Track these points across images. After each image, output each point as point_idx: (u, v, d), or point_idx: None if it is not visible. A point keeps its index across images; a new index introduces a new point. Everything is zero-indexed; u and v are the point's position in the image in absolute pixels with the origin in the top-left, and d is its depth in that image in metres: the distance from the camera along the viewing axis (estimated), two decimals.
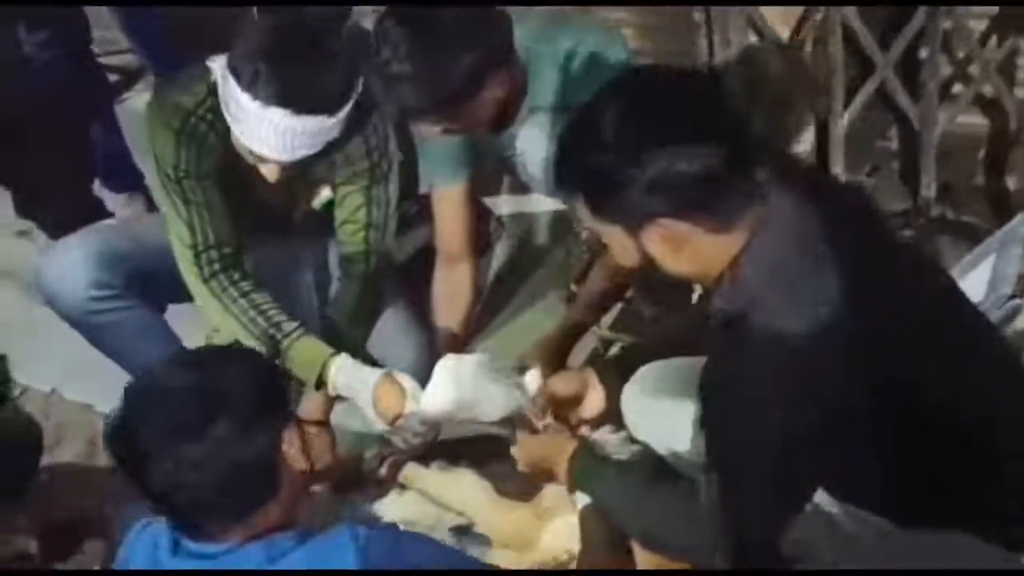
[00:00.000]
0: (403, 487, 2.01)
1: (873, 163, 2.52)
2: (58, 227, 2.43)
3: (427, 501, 1.99)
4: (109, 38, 3.01)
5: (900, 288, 1.29)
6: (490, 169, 2.19)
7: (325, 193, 2.02)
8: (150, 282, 2.03)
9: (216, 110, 1.84)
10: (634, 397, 1.74)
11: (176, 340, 2.11)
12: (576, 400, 1.76)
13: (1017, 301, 1.98)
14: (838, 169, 2.44)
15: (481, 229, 2.38)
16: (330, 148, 1.84)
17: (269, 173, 1.83)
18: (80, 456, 2.37)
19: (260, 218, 2.06)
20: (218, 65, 1.77)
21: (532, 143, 1.89)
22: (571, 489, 1.61)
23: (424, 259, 2.26)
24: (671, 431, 1.61)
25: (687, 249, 1.27)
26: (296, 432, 1.33)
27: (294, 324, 1.92)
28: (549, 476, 1.63)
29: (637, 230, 1.27)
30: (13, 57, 2.21)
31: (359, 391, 1.87)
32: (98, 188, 2.69)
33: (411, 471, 1.98)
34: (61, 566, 1.95)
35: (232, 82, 1.72)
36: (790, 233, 1.26)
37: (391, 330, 2.11)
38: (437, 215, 2.13)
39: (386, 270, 2.06)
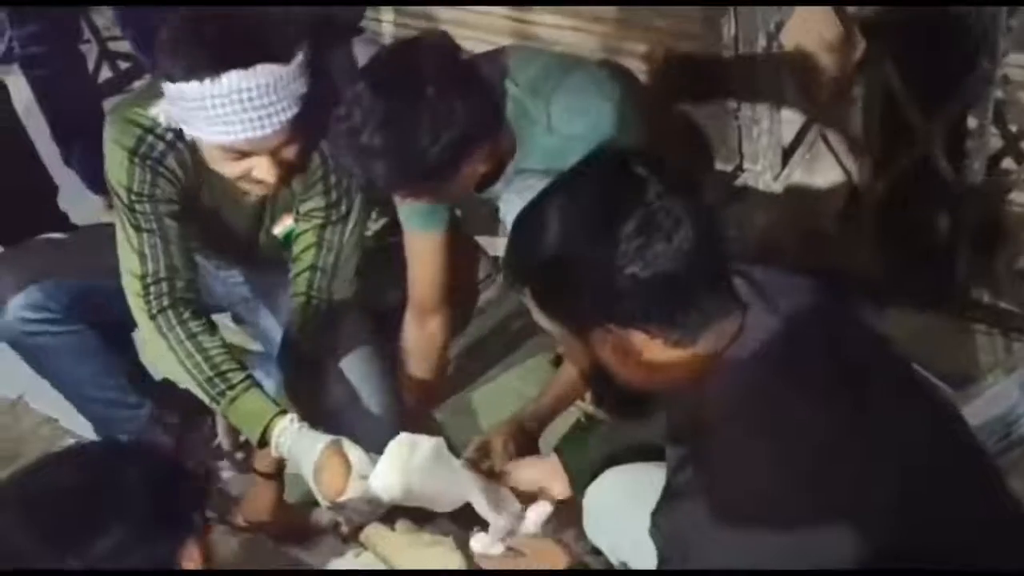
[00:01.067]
0: (363, 547, 1.88)
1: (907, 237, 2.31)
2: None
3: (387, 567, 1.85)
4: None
5: (889, 423, 1.15)
6: (484, 212, 2.03)
7: (288, 222, 1.87)
8: (94, 305, 1.90)
9: (177, 128, 1.69)
10: (597, 500, 1.59)
11: (118, 373, 2.00)
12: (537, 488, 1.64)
13: None
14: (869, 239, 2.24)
15: (469, 276, 2.22)
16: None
17: (264, 174, 1.64)
18: None
19: (224, 246, 1.94)
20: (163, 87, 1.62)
21: (513, 207, 1.70)
22: None
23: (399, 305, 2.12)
24: (630, 542, 1.45)
25: (638, 358, 1.15)
26: (199, 546, 1.17)
27: (241, 375, 1.77)
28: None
29: (586, 334, 1.16)
30: None
31: (301, 459, 1.71)
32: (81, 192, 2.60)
33: (372, 532, 1.83)
34: None
35: (174, 88, 1.57)
36: (766, 355, 1.15)
37: (357, 379, 1.97)
38: (409, 261, 1.97)
39: (330, 320, 1.89)
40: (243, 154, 1.62)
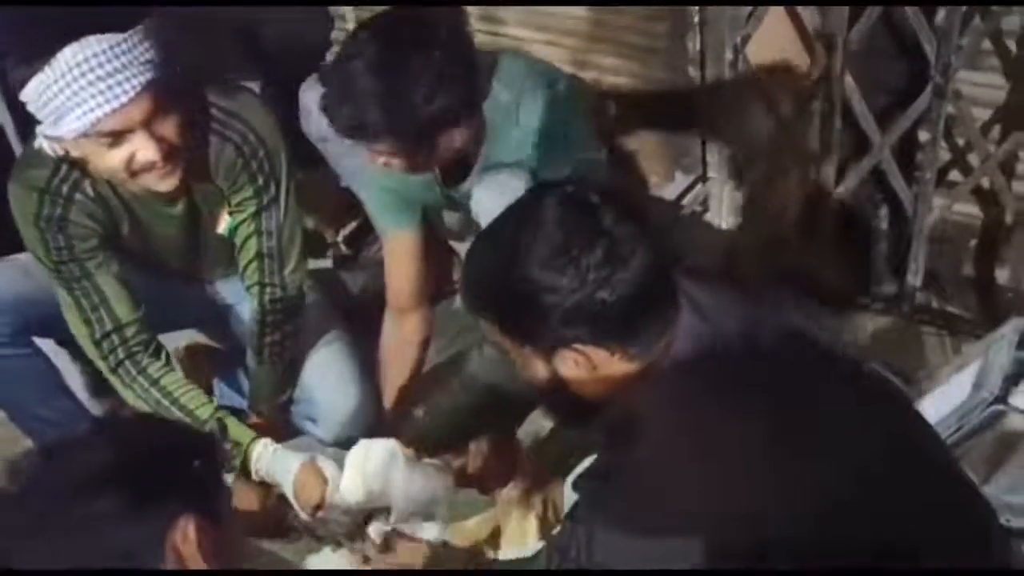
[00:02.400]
0: (339, 544, 1.91)
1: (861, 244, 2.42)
2: None
3: (363, 561, 1.88)
4: None
5: (835, 419, 1.20)
6: (459, 225, 2.09)
7: (227, 217, 1.89)
8: (51, 325, 1.88)
9: (69, 177, 1.71)
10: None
11: (63, 393, 2.01)
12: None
13: (999, 407, 1.91)
14: (825, 246, 2.35)
15: (442, 276, 2.26)
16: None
17: (145, 154, 1.60)
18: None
19: (170, 263, 1.96)
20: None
21: (486, 203, 1.76)
22: None
23: (374, 304, 2.15)
24: None
25: (600, 373, 1.23)
26: (195, 525, 1.15)
27: (209, 411, 1.82)
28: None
29: (550, 353, 1.23)
30: None
31: (279, 479, 1.77)
32: None
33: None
34: None
35: (26, 95, 1.53)
36: (694, 357, 1.23)
37: (333, 378, 2.01)
38: (387, 264, 2.02)
39: (289, 305, 1.92)
40: (116, 137, 1.58)
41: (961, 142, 2.21)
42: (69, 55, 1.49)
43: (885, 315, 2.32)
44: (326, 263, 2.50)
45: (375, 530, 1.65)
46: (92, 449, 1.12)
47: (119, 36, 1.51)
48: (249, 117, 1.80)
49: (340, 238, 2.50)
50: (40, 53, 1.49)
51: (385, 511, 1.68)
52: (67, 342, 2.03)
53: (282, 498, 1.83)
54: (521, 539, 1.80)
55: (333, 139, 2.12)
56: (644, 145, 2.53)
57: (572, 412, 1.38)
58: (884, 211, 2.37)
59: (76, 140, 1.57)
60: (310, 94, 2.12)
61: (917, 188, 2.18)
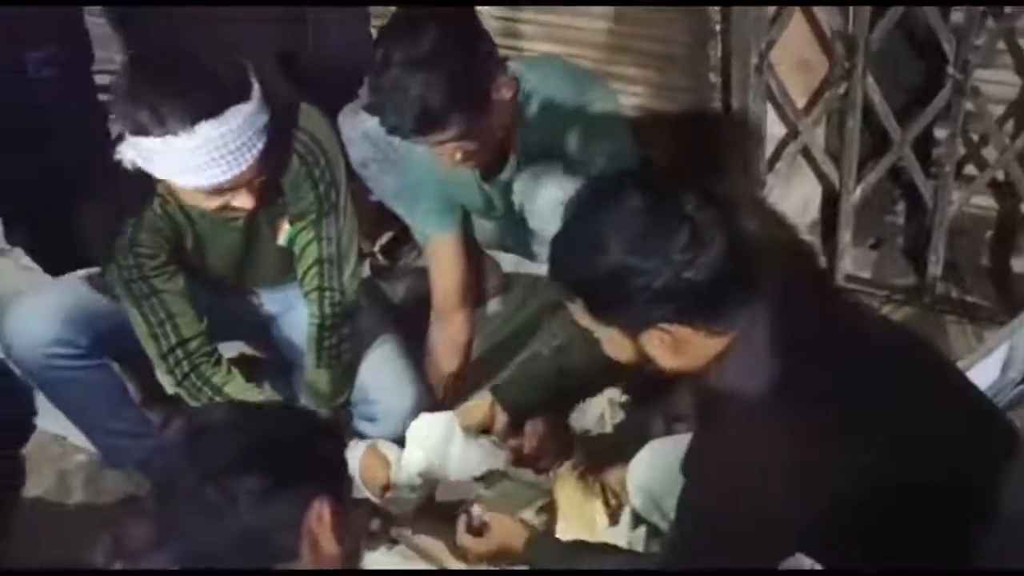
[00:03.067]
0: (394, 542, 1.96)
1: (878, 237, 2.51)
2: (43, 254, 2.35)
3: (416, 560, 1.93)
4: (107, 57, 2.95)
5: (883, 379, 1.31)
6: (491, 238, 2.16)
7: (287, 228, 1.96)
8: (121, 341, 1.95)
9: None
10: (641, 467, 1.72)
11: (131, 404, 2.08)
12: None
13: None
14: (845, 240, 2.43)
15: (480, 282, 2.33)
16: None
17: (243, 202, 1.73)
18: (50, 492, 2.28)
19: (227, 272, 2.03)
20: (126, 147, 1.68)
21: (526, 192, 1.87)
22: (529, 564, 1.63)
23: (415, 310, 2.23)
24: (670, 506, 1.56)
25: (684, 350, 1.30)
26: (330, 508, 1.22)
27: None
28: (506, 555, 1.65)
29: (636, 333, 1.30)
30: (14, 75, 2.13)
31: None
32: None
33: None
34: None
35: (145, 142, 1.62)
36: (773, 332, 1.29)
37: (388, 379, 2.06)
38: (431, 268, 2.11)
39: (347, 309, 1.99)
40: (220, 190, 1.70)
41: (975, 137, 2.31)
42: (208, 130, 1.59)
43: (907, 305, 2.41)
44: (364, 272, 2.56)
45: (475, 514, 1.69)
46: (234, 433, 1.17)
47: (248, 107, 1.62)
48: (311, 128, 1.87)
49: (377, 248, 2.56)
50: (178, 120, 1.58)
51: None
52: (121, 358, 2.08)
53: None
54: (589, 524, 1.86)
55: (375, 160, 2.21)
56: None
57: (648, 386, 1.45)
58: (901, 206, 2.47)
59: None
60: (349, 122, 2.20)
61: (936, 182, 2.27)
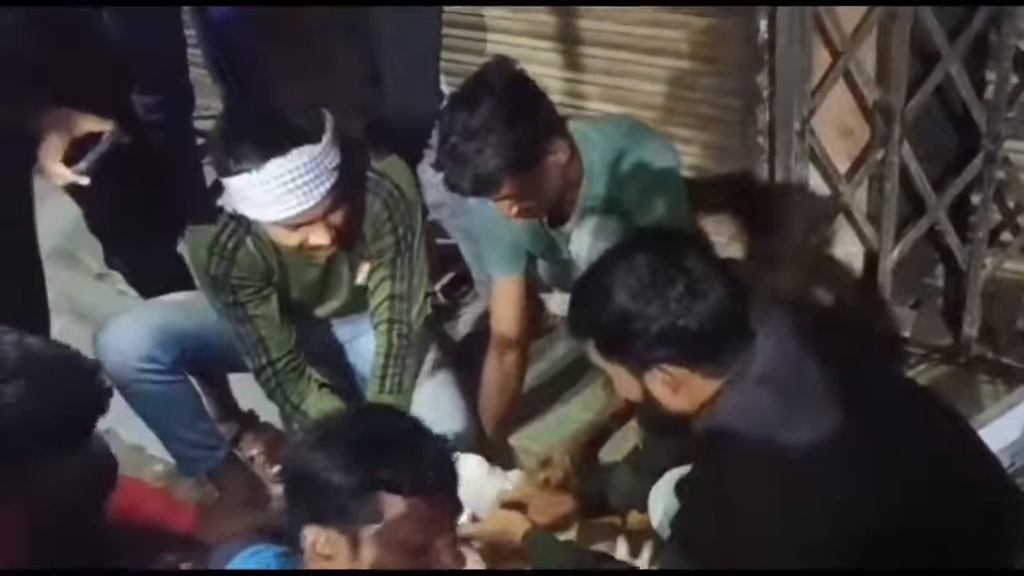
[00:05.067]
0: None
1: (918, 298, 2.60)
2: (139, 279, 2.58)
3: None
4: (205, 104, 3.23)
5: (881, 423, 1.43)
6: (547, 278, 2.33)
7: (366, 268, 2.17)
8: (204, 358, 2.20)
9: (233, 235, 2.02)
10: (661, 492, 1.85)
11: (206, 417, 2.28)
12: None
13: None
14: (885, 299, 2.54)
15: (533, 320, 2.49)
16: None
17: (319, 239, 1.92)
18: None
19: (306, 301, 2.23)
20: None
21: (581, 243, 2.04)
22: (527, 555, 1.77)
23: (472, 347, 2.39)
24: None
25: (684, 390, 1.45)
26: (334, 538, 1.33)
27: None
28: (505, 546, 1.79)
29: (641, 372, 1.46)
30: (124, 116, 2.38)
31: None
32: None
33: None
34: None
35: (227, 182, 1.85)
36: (765, 374, 1.44)
37: (440, 408, 2.22)
38: (493, 306, 2.27)
39: (413, 342, 2.18)
40: (297, 225, 1.90)
41: (1011, 204, 2.40)
42: (276, 167, 1.80)
43: (943, 364, 2.49)
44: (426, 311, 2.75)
45: None
46: (349, 432, 1.35)
47: (316, 148, 1.83)
48: (395, 176, 2.09)
49: (438, 288, 2.75)
50: (251, 158, 1.80)
51: None
52: (200, 375, 2.30)
53: None
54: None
55: (449, 204, 2.41)
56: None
57: (661, 423, 1.60)
58: (940, 269, 2.56)
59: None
60: (426, 168, 2.41)
61: (971, 247, 2.37)
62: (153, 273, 2.48)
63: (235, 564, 1.49)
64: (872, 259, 2.56)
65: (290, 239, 1.93)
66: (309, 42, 2.99)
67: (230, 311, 2.11)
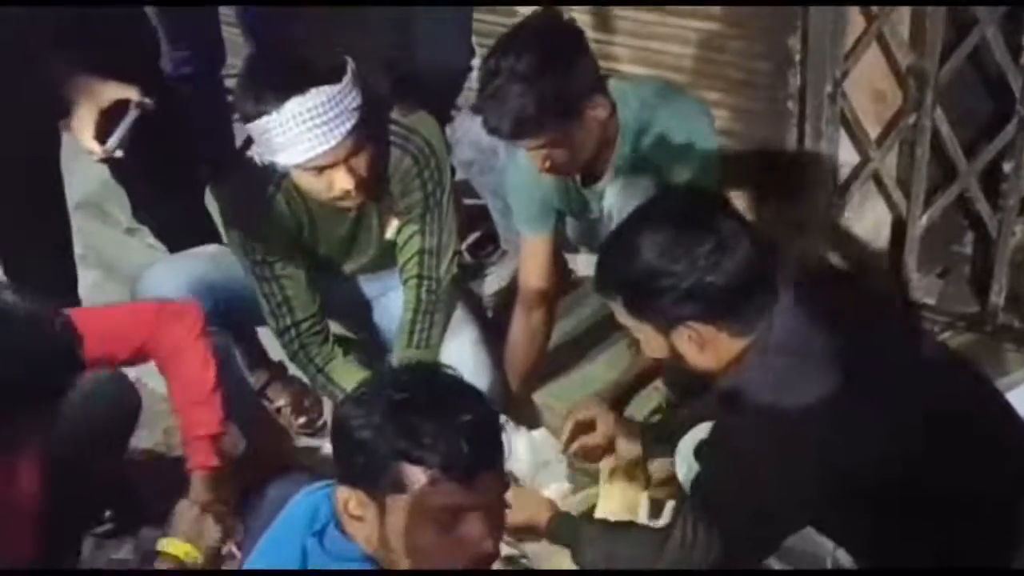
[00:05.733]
0: None
1: (945, 266, 2.59)
2: (167, 234, 2.60)
3: None
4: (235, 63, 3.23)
5: (905, 384, 1.45)
6: (574, 237, 2.33)
7: (395, 223, 2.18)
8: (235, 311, 2.20)
9: (264, 189, 2.02)
10: (684, 453, 1.87)
11: (236, 367, 2.27)
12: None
13: None
14: (911, 267, 2.53)
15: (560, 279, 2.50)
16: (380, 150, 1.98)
17: (343, 183, 1.93)
18: (159, 445, 2.52)
19: (335, 257, 2.24)
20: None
21: (613, 201, 2.05)
22: (551, 540, 1.76)
23: (506, 300, 2.40)
24: None
25: (710, 348, 1.46)
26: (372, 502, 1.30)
27: None
28: (530, 530, 1.77)
29: (668, 330, 1.47)
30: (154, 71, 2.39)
31: None
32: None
33: None
34: None
35: (251, 127, 1.87)
36: (790, 331, 1.45)
37: (466, 363, 2.21)
38: (522, 264, 2.28)
39: (440, 298, 2.19)
40: (321, 169, 1.91)
41: None
42: (295, 105, 1.82)
43: (969, 332, 2.48)
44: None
45: None
46: (391, 391, 1.31)
47: (335, 88, 1.84)
48: (425, 132, 2.10)
49: (464, 247, 2.75)
50: (270, 99, 1.82)
51: None
52: (231, 326, 2.31)
53: None
54: (632, 514, 2.00)
55: (479, 161, 2.42)
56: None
57: (686, 382, 1.61)
58: (969, 236, 2.55)
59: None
60: (461, 125, 2.42)
61: (1001, 214, 2.36)
62: (181, 227, 2.50)
63: (283, 517, 1.46)
64: (900, 226, 2.55)
65: (316, 184, 1.95)
66: None
67: (256, 269, 2.12)
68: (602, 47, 2.83)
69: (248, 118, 1.86)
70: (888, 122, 2.47)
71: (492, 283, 2.63)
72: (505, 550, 2.07)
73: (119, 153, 2.02)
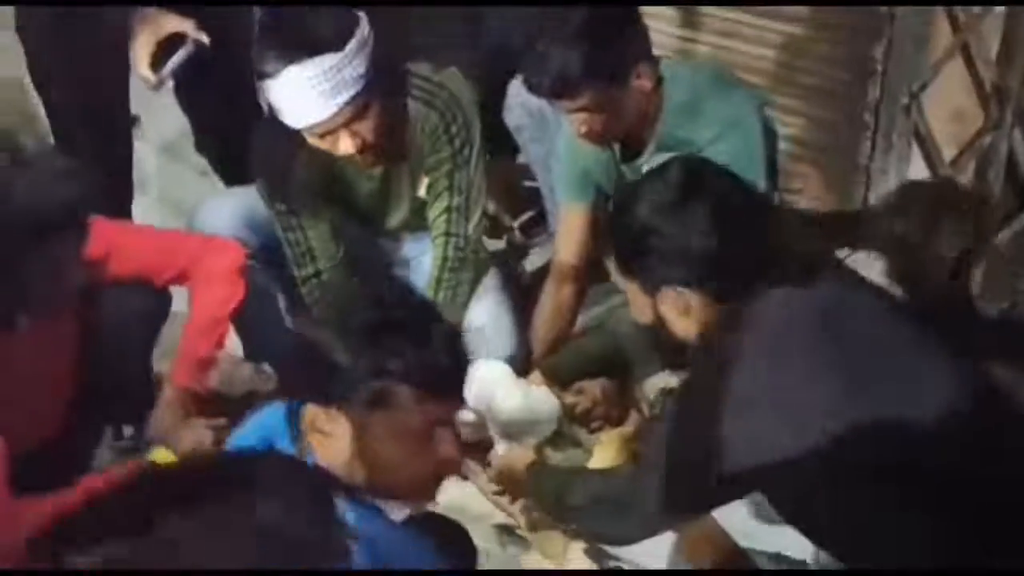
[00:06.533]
0: (464, 478, 2.12)
1: (1013, 300, 2.47)
2: (224, 167, 2.67)
3: (482, 496, 2.08)
4: None
5: (889, 369, 1.38)
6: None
7: (426, 180, 2.18)
8: (282, 250, 2.22)
9: (293, 137, 2.00)
10: None
11: (277, 306, 2.29)
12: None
13: None
14: (977, 294, 2.41)
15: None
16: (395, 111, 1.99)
17: (345, 147, 1.94)
18: None
19: (369, 213, 2.25)
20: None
21: None
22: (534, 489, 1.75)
23: (535, 281, 2.39)
24: None
25: (692, 315, 1.44)
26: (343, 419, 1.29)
27: None
28: (515, 486, 1.79)
29: (653, 291, 1.45)
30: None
31: None
32: None
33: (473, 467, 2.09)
34: None
35: (265, 87, 1.89)
36: (775, 317, 1.40)
37: (493, 325, 2.23)
38: (558, 236, 2.26)
39: (467, 256, 2.18)
40: (323, 134, 1.93)
41: None
42: (295, 73, 1.84)
43: None
44: (500, 244, 2.76)
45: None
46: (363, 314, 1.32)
47: (335, 58, 1.85)
48: (455, 89, 2.10)
49: (516, 224, 2.75)
50: (272, 65, 1.85)
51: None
52: (279, 266, 2.34)
53: None
54: None
55: (529, 127, 2.41)
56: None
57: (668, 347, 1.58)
58: None
59: None
60: (514, 89, 2.42)
61: None
62: (237, 162, 2.55)
63: (247, 426, 1.48)
64: (965, 252, 2.44)
65: (322, 143, 1.98)
66: None
67: (282, 218, 2.15)
68: (684, 44, 2.81)
69: (260, 77, 1.90)
70: (968, 143, 2.38)
71: (535, 260, 2.62)
72: (499, 518, 2.07)
73: (170, 83, 2.11)
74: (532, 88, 1.94)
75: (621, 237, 1.47)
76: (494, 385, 1.92)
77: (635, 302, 1.50)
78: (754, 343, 1.37)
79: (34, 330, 1.78)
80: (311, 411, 1.32)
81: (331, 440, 1.30)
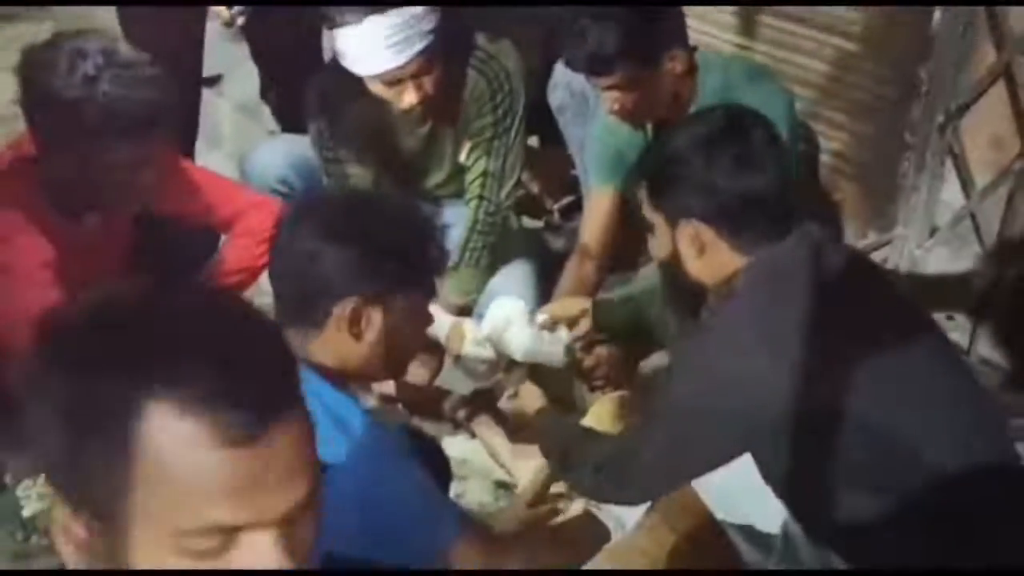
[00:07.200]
0: (473, 435, 2.21)
1: None
2: (283, 114, 2.81)
3: (486, 453, 2.17)
4: None
5: (871, 337, 1.41)
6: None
7: (468, 145, 2.29)
8: None
9: (348, 89, 2.13)
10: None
11: None
12: None
13: None
14: (987, 321, 2.42)
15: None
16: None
17: (409, 98, 2.06)
18: None
19: (412, 172, 2.37)
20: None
21: None
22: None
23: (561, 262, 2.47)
24: None
25: (708, 255, 1.48)
26: (380, 311, 1.39)
27: None
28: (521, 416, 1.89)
29: (674, 224, 1.49)
30: None
31: (436, 332, 2.10)
32: None
33: (483, 424, 2.18)
34: None
35: (335, 32, 2.01)
36: (787, 274, 1.44)
37: (514, 291, 2.30)
38: (585, 216, 2.34)
39: (497, 220, 2.29)
40: (390, 82, 2.06)
41: None
42: (375, 22, 1.98)
43: None
44: (538, 224, 2.86)
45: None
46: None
47: (412, 11, 1.99)
48: (505, 60, 2.22)
49: (556, 207, 2.85)
50: (353, 13, 1.99)
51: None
52: None
53: None
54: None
55: (571, 107, 2.51)
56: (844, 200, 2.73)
57: (682, 295, 1.64)
58: None
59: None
60: (560, 69, 2.51)
61: None
62: (294, 110, 2.69)
63: None
64: (994, 281, 2.45)
65: (386, 94, 2.10)
66: None
67: (329, 165, 2.29)
68: (740, 52, 2.87)
69: (332, 25, 2.03)
70: (1004, 171, 2.39)
71: (562, 243, 2.70)
72: (498, 474, 2.16)
73: (240, 20, 2.26)
74: (569, 63, 2.04)
75: (655, 163, 1.54)
76: (507, 322, 2.01)
77: (656, 237, 1.55)
78: (756, 287, 1.44)
79: (95, 232, 1.91)
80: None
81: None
